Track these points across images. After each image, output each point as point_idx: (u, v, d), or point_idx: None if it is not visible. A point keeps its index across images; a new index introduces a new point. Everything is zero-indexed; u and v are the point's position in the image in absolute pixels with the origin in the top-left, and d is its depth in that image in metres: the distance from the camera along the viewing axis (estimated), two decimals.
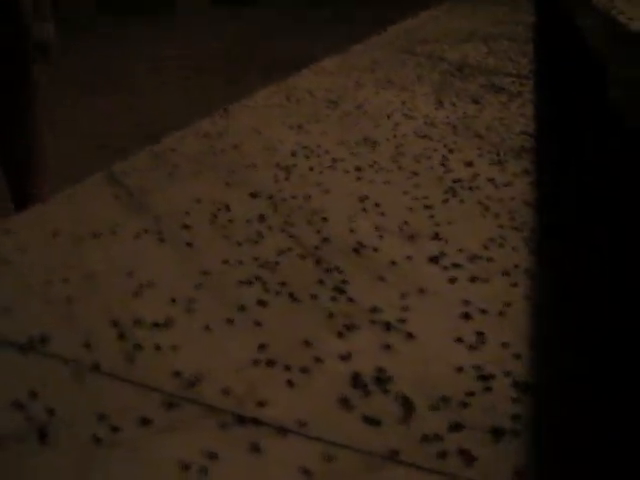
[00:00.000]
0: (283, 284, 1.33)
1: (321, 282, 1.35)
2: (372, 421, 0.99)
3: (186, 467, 0.89)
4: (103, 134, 3.82)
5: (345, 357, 1.13)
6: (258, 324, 1.20)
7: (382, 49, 3.65)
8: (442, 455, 0.94)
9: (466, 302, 1.31)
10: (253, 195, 1.71)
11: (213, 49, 5.96)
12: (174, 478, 0.88)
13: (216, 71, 5.42)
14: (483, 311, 1.29)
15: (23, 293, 1.27)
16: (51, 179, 2.00)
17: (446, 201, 1.78)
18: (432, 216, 1.69)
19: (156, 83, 5.03)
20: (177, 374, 1.07)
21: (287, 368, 1.10)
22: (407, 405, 1.02)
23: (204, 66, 5.56)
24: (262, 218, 1.60)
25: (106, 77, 5.08)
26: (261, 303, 1.26)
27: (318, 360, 1.12)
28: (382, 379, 1.08)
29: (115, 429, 0.95)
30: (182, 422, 0.98)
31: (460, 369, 1.11)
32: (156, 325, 1.19)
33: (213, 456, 0.92)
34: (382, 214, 1.67)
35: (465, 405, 1.02)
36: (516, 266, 1.47)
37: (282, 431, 0.97)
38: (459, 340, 1.19)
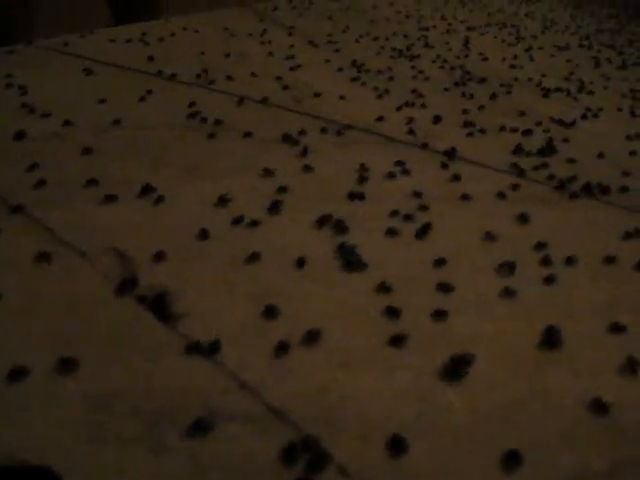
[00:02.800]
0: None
1: None
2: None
3: (364, 167, 0.84)
4: None
5: None
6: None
7: None
8: None
9: None
10: (404, 47, 1.63)
11: None
12: (355, 174, 0.83)
13: None
14: None
15: (178, 56, 1.25)
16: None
17: None
18: None
19: None
20: (340, 113, 1.03)
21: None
22: None
23: None
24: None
25: None
26: None
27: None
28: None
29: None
30: (359, 142, 0.93)
31: None
32: (317, 95, 1.15)
33: (399, 163, 0.87)
34: None
35: None
36: None
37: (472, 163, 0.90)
38: None
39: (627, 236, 0.75)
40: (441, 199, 0.79)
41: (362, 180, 0.81)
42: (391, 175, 0.83)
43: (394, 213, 0.74)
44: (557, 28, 2.08)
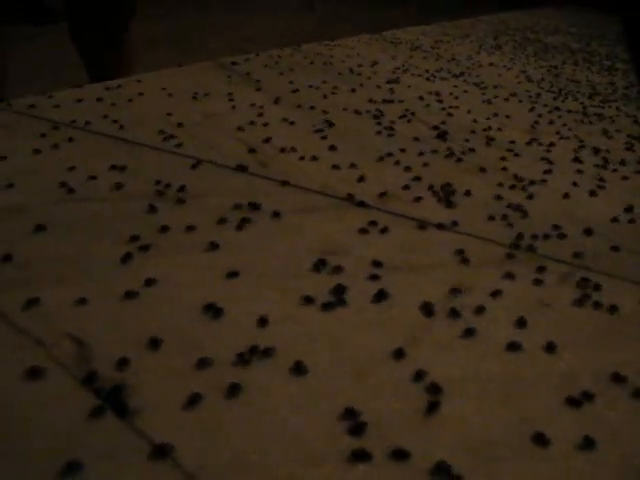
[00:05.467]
0: None
1: None
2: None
3: (327, 239, 0.85)
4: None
5: None
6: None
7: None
8: None
9: None
10: (370, 100, 1.66)
11: None
12: (325, 247, 0.83)
13: None
14: None
15: (145, 118, 1.26)
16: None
17: None
18: None
19: None
20: (310, 179, 1.03)
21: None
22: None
23: None
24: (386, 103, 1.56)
25: None
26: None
27: None
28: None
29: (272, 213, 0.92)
30: (326, 208, 0.94)
31: None
32: (282, 150, 1.16)
33: (363, 231, 0.88)
34: None
35: None
36: None
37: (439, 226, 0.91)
38: None
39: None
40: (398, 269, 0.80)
41: (322, 262, 0.80)
42: (355, 246, 0.84)
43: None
44: (515, 74, 2.14)
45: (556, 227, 0.96)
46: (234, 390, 0.57)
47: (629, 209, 1.07)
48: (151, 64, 1.96)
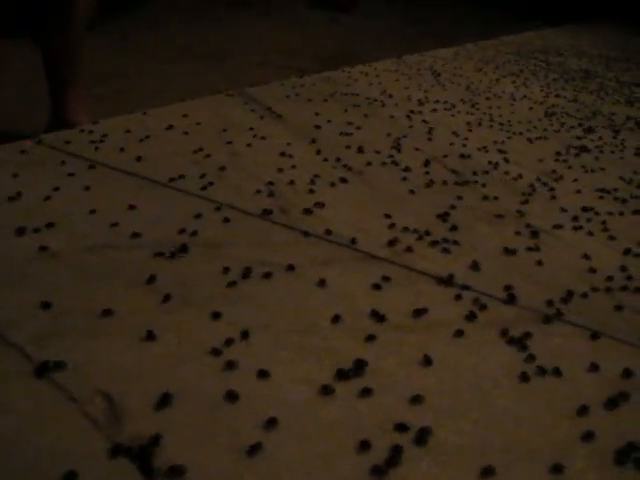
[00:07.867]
0: None
1: None
2: None
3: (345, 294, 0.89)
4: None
5: None
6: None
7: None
8: None
9: None
10: (389, 137, 1.70)
11: None
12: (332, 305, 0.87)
13: None
14: None
15: (171, 156, 1.31)
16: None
17: None
18: None
19: None
20: (328, 231, 1.08)
21: None
22: None
23: None
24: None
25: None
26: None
27: None
28: None
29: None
30: (339, 260, 0.98)
31: None
32: (303, 194, 1.20)
33: (377, 287, 0.92)
34: None
35: None
36: None
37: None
38: None
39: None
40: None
41: (336, 319, 0.84)
42: (374, 314, 0.88)
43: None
44: (535, 106, 2.16)
45: (570, 291, 0.98)
46: (254, 449, 0.62)
47: None
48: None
